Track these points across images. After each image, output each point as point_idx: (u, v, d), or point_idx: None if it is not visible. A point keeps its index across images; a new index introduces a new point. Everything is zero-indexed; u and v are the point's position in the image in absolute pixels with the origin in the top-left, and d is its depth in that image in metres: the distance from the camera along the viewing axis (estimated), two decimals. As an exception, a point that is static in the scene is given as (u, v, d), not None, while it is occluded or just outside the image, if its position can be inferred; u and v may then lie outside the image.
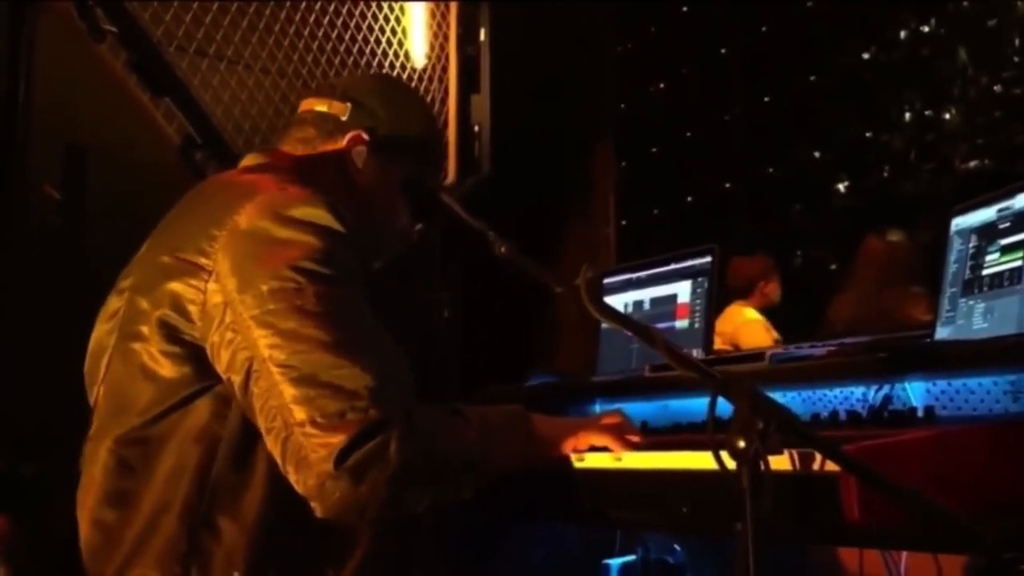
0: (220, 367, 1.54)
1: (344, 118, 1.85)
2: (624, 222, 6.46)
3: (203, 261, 1.57)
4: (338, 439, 1.42)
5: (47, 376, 2.35)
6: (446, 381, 3.88)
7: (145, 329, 1.60)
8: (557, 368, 3.66)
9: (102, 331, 1.73)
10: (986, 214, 1.89)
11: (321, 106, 1.87)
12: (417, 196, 1.93)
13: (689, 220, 7.50)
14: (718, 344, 4.45)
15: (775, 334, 4.81)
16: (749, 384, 1.34)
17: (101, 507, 1.60)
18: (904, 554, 2.11)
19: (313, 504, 1.47)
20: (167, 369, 1.57)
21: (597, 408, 2.54)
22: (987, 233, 1.87)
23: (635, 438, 1.81)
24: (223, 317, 1.53)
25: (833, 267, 6.38)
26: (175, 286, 1.58)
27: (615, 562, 2.72)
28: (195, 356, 1.57)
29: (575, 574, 2.77)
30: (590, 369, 2.80)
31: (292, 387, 1.45)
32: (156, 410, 1.57)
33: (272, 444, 1.48)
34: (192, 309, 1.56)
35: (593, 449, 1.80)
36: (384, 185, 1.87)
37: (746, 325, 4.86)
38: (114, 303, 1.72)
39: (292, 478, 1.46)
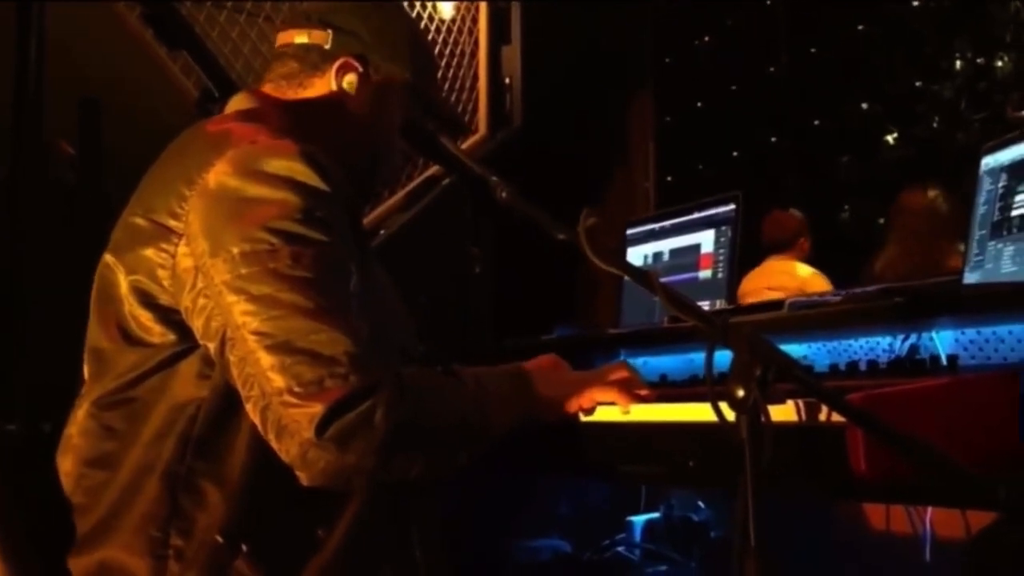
0: (196, 333, 1.48)
1: (327, 46, 1.73)
2: (669, 178, 6.39)
3: (173, 224, 1.50)
4: (317, 408, 1.35)
5: (65, 335, 2.34)
6: (478, 336, 3.84)
7: (121, 292, 1.54)
8: (586, 321, 3.61)
9: (92, 292, 1.68)
10: (1018, 151, 1.79)
11: (300, 37, 1.75)
12: (418, 140, 1.86)
13: (735, 174, 7.37)
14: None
15: (831, 286, 4.71)
16: (748, 330, 1.27)
17: (84, 469, 1.56)
18: (929, 509, 2.03)
19: (298, 473, 1.41)
20: (146, 332, 1.52)
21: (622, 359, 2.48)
22: (1019, 171, 1.77)
23: (642, 391, 1.74)
24: (194, 282, 1.46)
25: (882, 220, 6.22)
26: (149, 252, 1.51)
27: (639, 519, 2.67)
28: (173, 320, 1.50)
29: (600, 528, 2.73)
30: (613, 321, 2.74)
31: (267, 355, 1.39)
32: (136, 372, 1.52)
33: (252, 412, 1.42)
34: (162, 274, 1.50)
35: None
36: (381, 110, 1.77)
37: (813, 279, 4.76)
38: (101, 263, 1.67)
39: (275, 447, 1.41)
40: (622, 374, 1.75)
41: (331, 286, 1.46)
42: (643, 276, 1.45)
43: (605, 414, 1.72)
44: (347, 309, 1.45)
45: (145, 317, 1.52)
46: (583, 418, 1.73)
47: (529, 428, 1.67)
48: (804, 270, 4.87)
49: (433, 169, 3.78)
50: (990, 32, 6.28)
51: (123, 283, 1.53)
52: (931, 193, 4.54)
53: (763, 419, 1.23)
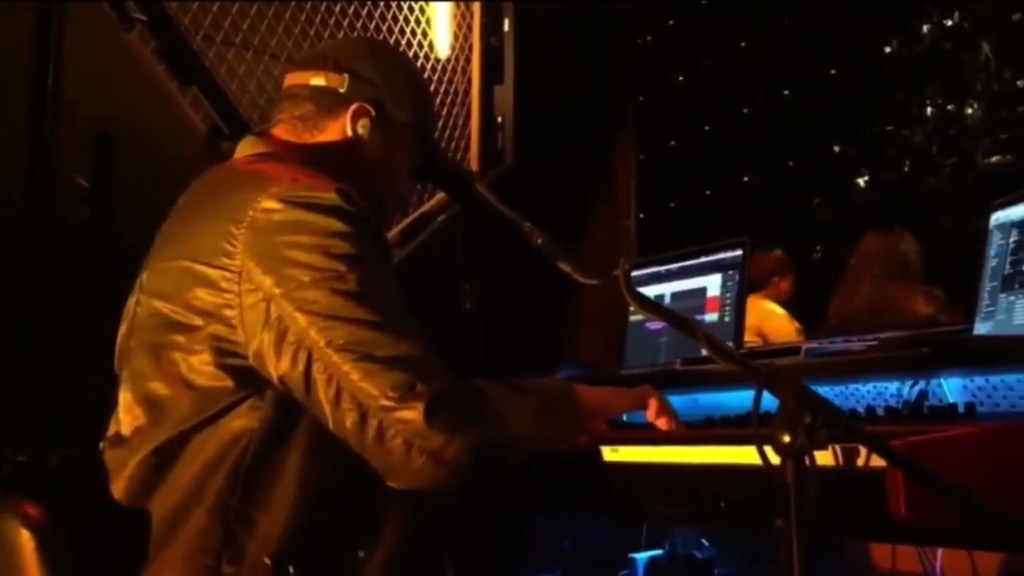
0: (272, 369, 1.51)
1: (343, 90, 1.79)
2: (642, 215, 6.47)
3: (227, 262, 1.53)
4: (419, 406, 1.42)
5: (75, 367, 2.35)
6: (469, 372, 3.87)
7: (187, 341, 1.56)
8: (580, 359, 3.65)
9: (122, 333, 1.71)
10: (1028, 208, 1.88)
11: (317, 79, 1.80)
12: (452, 188, 1.91)
13: (708, 213, 7.48)
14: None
15: (797, 324, 4.80)
16: (794, 378, 1.33)
17: (135, 503, 1.61)
18: (940, 551, 2.10)
19: (393, 476, 1.48)
20: (207, 379, 1.55)
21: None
22: (1029, 228, 1.86)
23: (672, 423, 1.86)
24: (267, 315, 1.50)
25: (853, 261, 6.35)
26: (208, 295, 1.55)
27: (642, 556, 2.70)
28: (236, 367, 1.54)
29: (603, 565, 2.77)
30: (617, 362, 2.79)
31: (355, 367, 1.45)
32: (194, 420, 1.55)
33: (346, 425, 1.46)
34: (231, 315, 1.53)
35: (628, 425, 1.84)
36: (390, 154, 1.83)
37: (772, 317, 4.85)
38: (132, 305, 1.69)
39: (373, 453, 1.46)
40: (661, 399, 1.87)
41: (393, 300, 1.54)
42: (685, 322, 1.50)
43: (635, 454, 1.77)
44: (409, 323, 1.53)
45: (204, 361, 1.55)
46: (612, 456, 1.79)
47: (553, 464, 1.73)
48: (765, 307, 4.96)
49: (427, 205, 3.83)
50: (961, 80, 6.45)
51: (185, 329, 1.57)
52: (890, 237, 4.65)
53: (809, 464, 1.28)
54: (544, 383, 1.73)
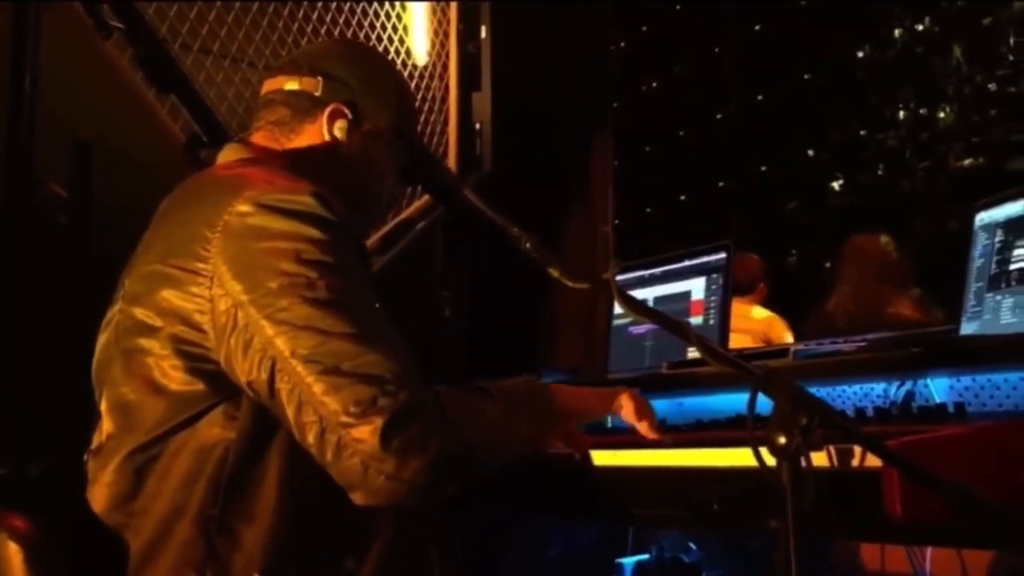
0: (240, 374, 1.49)
1: (318, 93, 1.78)
2: (617, 221, 6.49)
3: (200, 266, 1.52)
4: (377, 422, 1.39)
5: (54, 376, 2.33)
6: (449, 379, 3.86)
7: (153, 344, 1.55)
8: (562, 365, 3.64)
9: (102, 341, 1.69)
10: (1014, 208, 1.88)
11: (291, 84, 1.79)
12: (439, 191, 1.91)
13: (683, 219, 7.51)
14: (748, 342, 4.47)
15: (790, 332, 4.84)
16: (789, 379, 1.33)
17: (113, 515, 1.59)
18: (928, 550, 2.11)
19: (354, 492, 1.45)
20: (178, 383, 1.53)
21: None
22: (1015, 227, 1.86)
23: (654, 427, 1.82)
24: (235, 321, 1.48)
25: (828, 265, 6.38)
26: (176, 298, 1.53)
27: (629, 560, 2.70)
28: (208, 372, 1.52)
29: (590, 571, 2.76)
30: (601, 367, 2.78)
31: (318, 380, 1.42)
32: (167, 426, 1.54)
33: (307, 438, 1.44)
34: (202, 320, 1.51)
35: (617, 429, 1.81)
36: (371, 154, 1.82)
37: (775, 323, 4.87)
38: (111, 312, 1.68)
39: (332, 468, 1.44)
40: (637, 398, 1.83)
41: (366, 310, 1.51)
42: (677, 326, 1.50)
43: (627, 458, 1.77)
44: (381, 332, 1.49)
45: (177, 367, 1.53)
46: (597, 461, 1.79)
47: (542, 469, 1.72)
48: (761, 313, 4.97)
49: (406, 212, 3.82)
50: (933, 84, 6.50)
51: (154, 333, 1.55)
52: (883, 239, 4.69)
53: (805, 465, 1.28)
54: (513, 384, 1.69)
